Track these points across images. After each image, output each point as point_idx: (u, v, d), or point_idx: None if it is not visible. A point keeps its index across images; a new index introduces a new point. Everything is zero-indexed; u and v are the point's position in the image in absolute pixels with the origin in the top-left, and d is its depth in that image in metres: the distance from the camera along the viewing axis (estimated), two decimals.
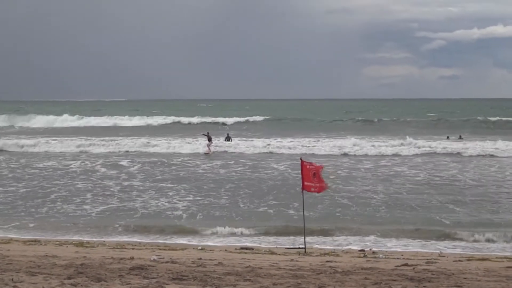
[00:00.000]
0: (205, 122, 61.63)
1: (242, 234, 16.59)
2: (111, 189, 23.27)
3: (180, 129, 55.44)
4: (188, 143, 39.74)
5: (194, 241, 15.91)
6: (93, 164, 30.42)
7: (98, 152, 36.54)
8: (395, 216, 18.67)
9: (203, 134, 38.54)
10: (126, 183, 24.63)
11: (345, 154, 34.70)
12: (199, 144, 37.72)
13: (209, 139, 36.45)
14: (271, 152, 35.77)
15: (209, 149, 35.55)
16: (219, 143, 38.61)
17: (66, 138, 43.86)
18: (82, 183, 24.62)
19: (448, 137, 45.04)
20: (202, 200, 21.04)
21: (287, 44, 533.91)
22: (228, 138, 41.06)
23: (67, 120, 66.86)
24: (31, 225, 17.90)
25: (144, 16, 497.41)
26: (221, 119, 64.38)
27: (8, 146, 38.80)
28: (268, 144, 38.45)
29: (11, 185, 24.15)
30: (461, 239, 15.92)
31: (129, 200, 21.13)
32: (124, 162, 31.08)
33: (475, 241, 15.77)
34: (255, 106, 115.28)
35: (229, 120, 63.36)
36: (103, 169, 28.85)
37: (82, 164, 30.65)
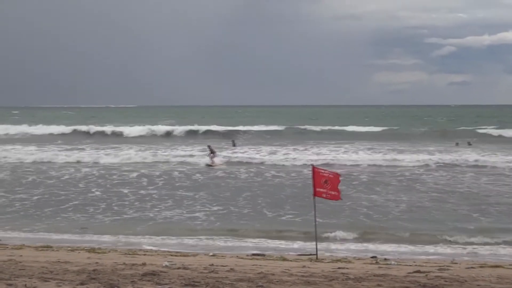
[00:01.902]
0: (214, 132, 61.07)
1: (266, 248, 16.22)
2: (127, 198, 23.29)
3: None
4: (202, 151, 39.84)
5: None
6: (109, 172, 30.55)
7: (113, 161, 36.44)
8: (411, 223, 18.63)
9: (208, 150, 37.36)
10: (143, 192, 24.69)
11: (352, 164, 33.94)
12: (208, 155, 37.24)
13: (212, 152, 36.04)
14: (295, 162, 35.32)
15: (213, 160, 35.12)
16: (228, 151, 38.45)
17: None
18: (98, 191, 24.75)
19: (457, 143, 44.49)
20: (221, 209, 21.00)
21: (293, 50, 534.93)
22: (234, 143, 41.02)
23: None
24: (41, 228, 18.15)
25: (148, 24, 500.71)
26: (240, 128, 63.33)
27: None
28: (284, 152, 38.48)
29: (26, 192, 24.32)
30: (473, 246, 15.79)
31: (145, 209, 21.19)
32: (145, 171, 31.20)
33: (492, 249, 15.60)
34: (269, 113, 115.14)
35: (243, 128, 62.84)
36: (120, 177, 28.95)
37: (96, 172, 30.77)
